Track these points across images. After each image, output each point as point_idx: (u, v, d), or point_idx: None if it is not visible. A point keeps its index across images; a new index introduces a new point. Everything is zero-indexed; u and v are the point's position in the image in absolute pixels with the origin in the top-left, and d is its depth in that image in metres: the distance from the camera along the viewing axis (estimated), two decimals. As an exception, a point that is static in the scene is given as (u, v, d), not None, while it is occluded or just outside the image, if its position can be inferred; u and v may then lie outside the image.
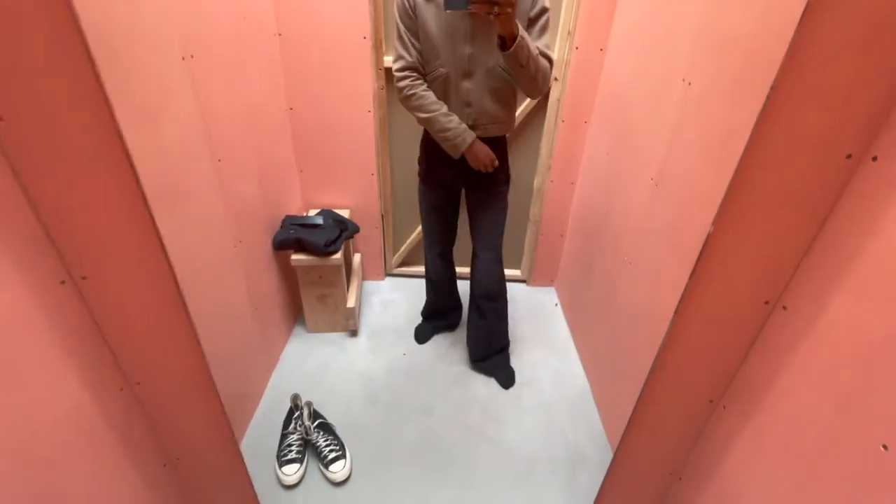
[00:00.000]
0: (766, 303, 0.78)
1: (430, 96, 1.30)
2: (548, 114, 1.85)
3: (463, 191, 1.57)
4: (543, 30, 1.24)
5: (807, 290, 0.72)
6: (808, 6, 0.53)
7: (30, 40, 0.55)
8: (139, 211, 0.67)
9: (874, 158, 0.62)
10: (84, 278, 0.75)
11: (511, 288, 2.23)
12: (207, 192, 1.19)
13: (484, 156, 1.34)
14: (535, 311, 2.10)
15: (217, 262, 1.26)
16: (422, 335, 1.90)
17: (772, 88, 0.58)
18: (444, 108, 1.30)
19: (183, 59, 1.06)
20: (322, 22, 1.61)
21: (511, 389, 1.68)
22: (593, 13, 1.59)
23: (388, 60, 1.71)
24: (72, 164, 0.63)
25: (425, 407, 1.60)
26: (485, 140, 1.35)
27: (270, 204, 1.65)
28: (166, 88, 0.99)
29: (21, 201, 0.66)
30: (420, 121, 1.34)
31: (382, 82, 1.80)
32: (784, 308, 0.77)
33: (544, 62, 1.22)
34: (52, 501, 0.74)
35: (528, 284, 2.28)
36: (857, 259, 0.64)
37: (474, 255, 1.61)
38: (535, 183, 2.01)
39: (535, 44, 1.19)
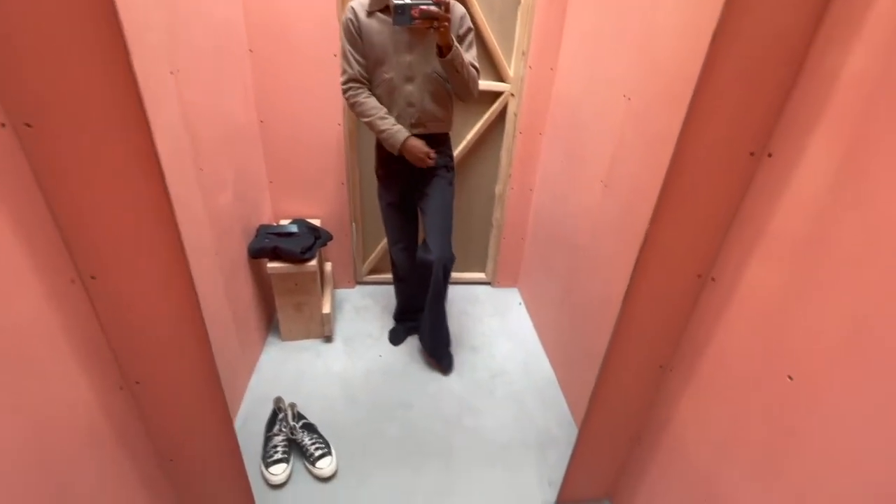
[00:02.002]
0: (699, 276, 0.95)
1: (371, 102, 1.48)
2: (506, 126, 2.01)
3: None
4: (470, 45, 1.47)
5: (729, 263, 0.89)
6: (714, 37, 0.69)
7: (71, 56, 0.61)
8: (161, 213, 0.73)
9: (769, 155, 0.80)
10: (93, 278, 0.79)
11: (477, 290, 2.38)
12: (193, 199, 1.23)
13: (418, 150, 1.49)
14: (500, 311, 2.23)
15: (200, 269, 1.29)
16: (396, 337, 1.98)
17: (690, 102, 0.74)
18: (382, 112, 1.47)
19: (171, 73, 1.11)
20: (292, 39, 1.69)
21: (484, 381, 1.79)
22: (544, 36, 1.78)
23: (357, 76, 1.82)
24: (97, 171, 0.69)
25: (404, 403, 1.67)
26: (428, 136, 1.53)
27: (245, 213, 1.68)
28: (158, 99, 1.04)
29: (40, 202, 0.70)
30: (365, 125, 1.51)
31: (351, 97, 1.89)
32: (713, 279, 0.93)
33: (473, 71, 1.44)
34: (56, 497, 0.76)
35: (493, 286, 2.41)
36: (763, 234, 0.81)
37: (425, 240, 1.64)
38: (497, 190, 2.16)
39: (465, 55, 1.40)
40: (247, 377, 1.71)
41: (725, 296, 0.90)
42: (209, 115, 1.36)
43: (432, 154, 1.53)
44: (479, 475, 1.43)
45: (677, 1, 1.06)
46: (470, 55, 1.45)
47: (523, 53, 1.84)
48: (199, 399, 0.95)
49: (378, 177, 1.70)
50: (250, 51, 1.70)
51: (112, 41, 0.61)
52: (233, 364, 1.56)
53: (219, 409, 0.96)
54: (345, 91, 1.50)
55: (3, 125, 0.64)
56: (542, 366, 1.90)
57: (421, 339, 1.91)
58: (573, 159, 1.68)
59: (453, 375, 1.81)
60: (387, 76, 1.44)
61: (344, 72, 1.48)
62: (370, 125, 1.49)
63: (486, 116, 1.98)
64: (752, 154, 0.81)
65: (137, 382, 0.92)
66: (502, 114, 2.00)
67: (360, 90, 1.48)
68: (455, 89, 1.48)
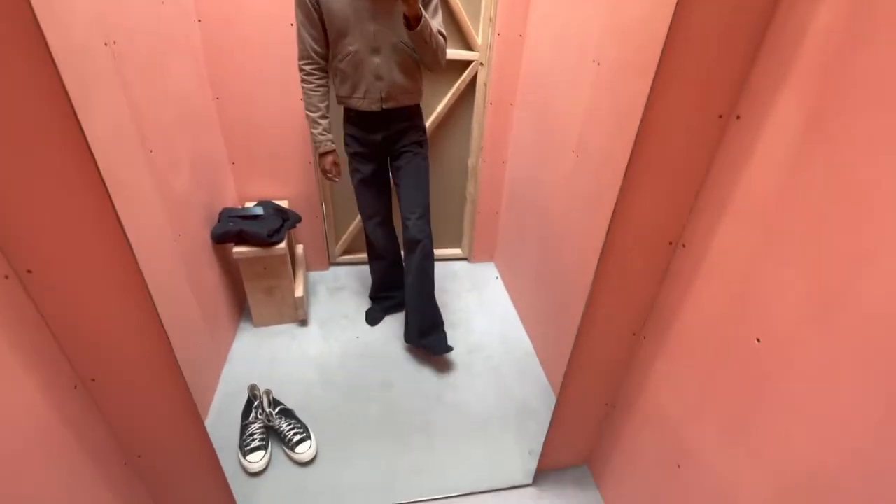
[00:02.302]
0: (670, 243, 0.94)
1: (315, 96, 1.48)
2: (476, 97, 1.96)
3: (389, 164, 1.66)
4: (436, 10, 1.41)
5: (699, 229, 0.89)
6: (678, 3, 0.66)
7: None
8: (97, 202, 0.67)
9: (738, 117, 0.78)
10: (29, 272, 0.73)
11: (453, 266, 2.35)
12: (142, 183, 1.15)
13: (325, 166, 1.58)
14: (478, 286, 2.23)
15: (156, 256, 1.22)
16: (372, 318, 1.95)
17: (658, 66, 0.72)
18: (318, 115, 1.50)
19: (105, 44, 1.01)
20: (245, 7, 1.58)
21: (461, 357, 1.80)
22: (512, 1, 1.71)
23: (318, 47, 1.72)
24: (26, 160, 0.62)
25: (383, 383, 1.66)
26: (399, 109, 1.49)
27: (206, 197, 1.60)
28: (92, 74, 0.95)
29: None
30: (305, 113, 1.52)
31: (313, 70, 1.79)
32: (683, 246, 0.93)
33: (441, 39, 1.39)
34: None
35: (469, 261, 2.40)
36: (731, 198, 0.81)
37: (403, 219, 1.62)
38: (469, 163, 2.12)
39: (431, 22, 1.33)
40: (219, 366, 1.66)
41: (696, 261, 0.90)
42: (156, 92, 1.26)
43: (337, 176, 1.60)
44: (460, 449, 1.44)
45: (645, -42, 1.02)
46: (436, 22, 1.38)
47: (490, 20, 1.77)
48: (160, 392, 0.91)
49: (349, 154, 1.63)
50: (198, 20, 1.58)
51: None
52: (202, 353, 1.51)
53: (182, 399, 0.93)
54: (300, 70, 1.47)
55: None
56: (520, 338, 1.92)
57: (407, 330, 1.75)
58: (544, 129, 1.65)
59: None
60: (351, 48, 1.37)
61: (299, 49, 1.43)
62: (307, 118, 1.51)
63: (455, 87, 1.92)
64: (720, 117, 0.79)
65: (93, 380, 0.87)
66: (472, 84, 1.94)
67: (309, 76, 1.46)
68: (423, 60, 1.43)
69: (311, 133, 1.54)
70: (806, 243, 0.67)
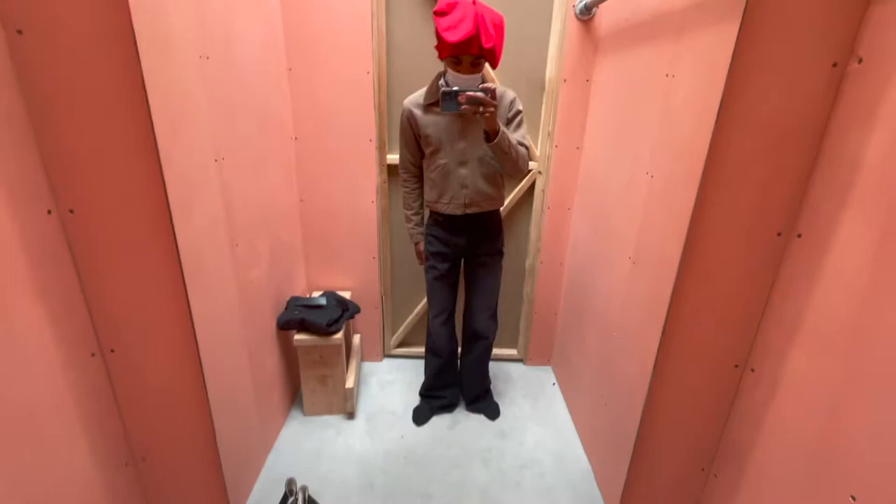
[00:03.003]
0: (736, 366, 0.85)
1: (410, 197, 1.72)
2: (534, 201, 2.03)
3: (462, 264, 1.79)
4: (519, 125, 1.54)
5: (770, 352, 0.80)
6: (717, 118, 0.68)
7: (102, 155, 0.69)
8: (176, 289, 0.77)
9: (799, 235, 0.74)
10: (112, 351, 0.82)
11: (508, 367, 2.27)
12: (224, 273, 1.30)
13: (419, 256, 1.78)
14: (533, 391, 2.10)
15: (226, 340, 1.33)
16: (420, 416, 1.89)
17: (701, 180, 0.72)
18: (411, 212, 1.74)
19: (216, 161, 1.23)
20: (333, 127, 1.85)
21: (511, 474, 1.65)
22: (569, 118, 1.84)
23: (391, 158, 1.94)
24: (124, 248, 0.74)
25: (423, 494, 1.55)
26: (480, 214, 1.61)
27: (277, 286, 1.75)
28: (200, 183, 1.15)
29: (74, 281, 0.76)
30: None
31: (385, 176, 2.00)
32: (752, 370, 0.84)
33: (523, 149, 1.49)
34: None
35: (525, 363, 2.30)
36: (802, 317, 0.73)
37: (473, 313, 1.80)
38: (527, 264, 2.14)
39: (514, 135, 1.47)
40: (264, 454, 1.66)
41: (768, 389, 0.80)
42: (249, 197, 1.47)
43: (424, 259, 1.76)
44: (501, 587, 1.26)
45: (690, 85, 1.08)
46: (519, 134, 1.51)
47: (549, 134, 1.90)
48: (199, 481, 0.92)
49: (430, 253, 1.74)
50: (295, 138, 1.87)
51: (144, 141, 0.68)
52: (251, 437, 1.54)
53: (218, 492, 0.93)
54: (400, 177, 1.72)
55: (50, 212, 0.71)
56: (578, 456, 1.73)
57: (462, 393, 1.97)
58: (601, 235, 1.65)
59: (478, 464, 1.68)
60: (442, 161, 1.55)
61: (399, 161, 1.69)
62: (404, 214, 1.77)
63: (514, 193, 2.02)
64: (779, 234, 0.75)
65: (143, 459, 0.91)
66: (530, 190, 2.03)
67: (406, 182, 1.70)
68: (505, 169, 1.54)
69: (407, 226, 1.77)
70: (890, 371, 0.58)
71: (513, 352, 2.32)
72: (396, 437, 1.80)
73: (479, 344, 1.83)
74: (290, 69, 1.77)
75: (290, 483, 1.44)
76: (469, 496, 1.55)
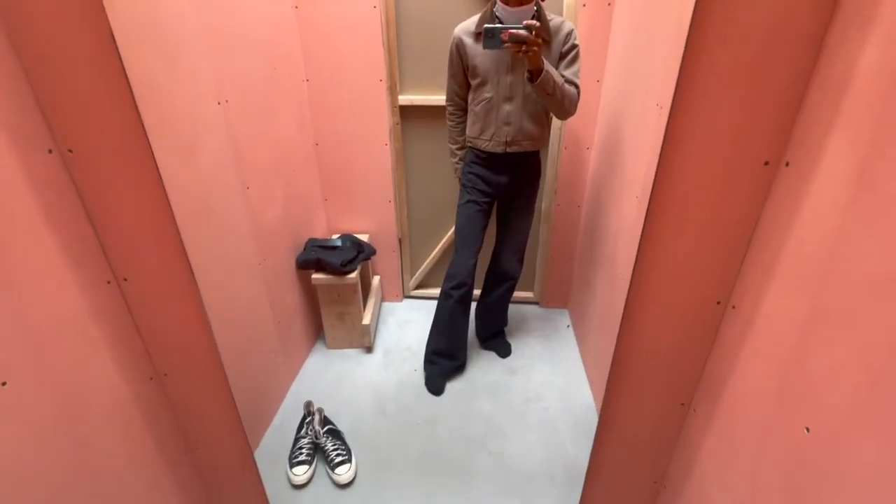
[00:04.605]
0: (718, 303, 0.83)
1: (455, 131, 1.69)
2: (551, 140, 1.96)
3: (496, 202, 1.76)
4: (573, 61, 1.43)
5: (749, 289, 0.77)
6: (689, 39, 0.63)
7: (92, 95, 0.74)
8: (170, 226, 0.84)
9: (787, 164, 0.68)
10: (125, 280, 0.92)
11: (524, 309, 2.30)
12: (235, 213, 1.38)
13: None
14: (546, 333, 2.14)
15: (240, 275, 1.43)
16: (435, 384, 1.80)
17: (673, 104, 0.67)
18: (455, 147, 1.71)
19: (218, 103, 1.27)
20: (344, 67, 1.83)
21: (516, 406, 1.72)
22: (588, 47, 1.71)
23: (403, 99, 1.91)
24: (120, 187, 0.81)
25: (430, 419, 1.66)
26: (522, 154, 1.57)
27: (294, 228, 1.83)
28: (202, 126, 1.20)
29: (82, 215, 0.84)
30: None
31: (398, 118, 1.98)
32: (733, 307, 0.81)
33: (571, 89, 1.40)
34: (86, 474, 0.88)
35: (540, 306, 2.32)
36: (780, 257, 0.70)
37: (501, 253, 1.81)
38: (543, 206, 2.10)
39: (565, 72, 1.40)
40: (289, 381, 1.83)
41: (744, 327, 0.78)
42: (259, 141, 1.51)
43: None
44: (496, 502, 1.37)
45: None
46: (570, 72, 1.42)
47: (567, 67, 1.79)
48: (212, 399, 1.04)
49: (466, 187, 1.68)
50: (307, 80, 1.87)
51: (139, 79, 0.72)
52: (275, 368, 1.69)
53: (229, 411, 1.05)
54: (446, 109, 1.68)
55: (51, 151, 0.78)
56: (583, 394, 1.78)
57: (478, 332, 2.03)
58: (614, 173, 1.58)
59: (484, 397, 1.77)
60: (487, 95, 1.49)
61: (446, 92, 1.64)
62: (449, 148, 1.74)
63: (529, 132, 1.94)
64: (766, 164, 0.70)
65: (165, 374, 1.04)
66: (547, 129, 1.95)
67: (452, 115, 1.66)
68: (550, 110, 1.49)
69: (451, 161, 1.76)
70: (858, 317, 0.55)
71: (529, 294, 2.34)
72: (409, 370, 1.91)
73: (504, 284, 1.87)
74: (297, 6, 1.73)
75: (308, 405, 1.59)
76: (474, 424, 1.65)
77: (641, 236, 0.78)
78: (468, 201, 1.68)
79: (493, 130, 1.53)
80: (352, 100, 1.88)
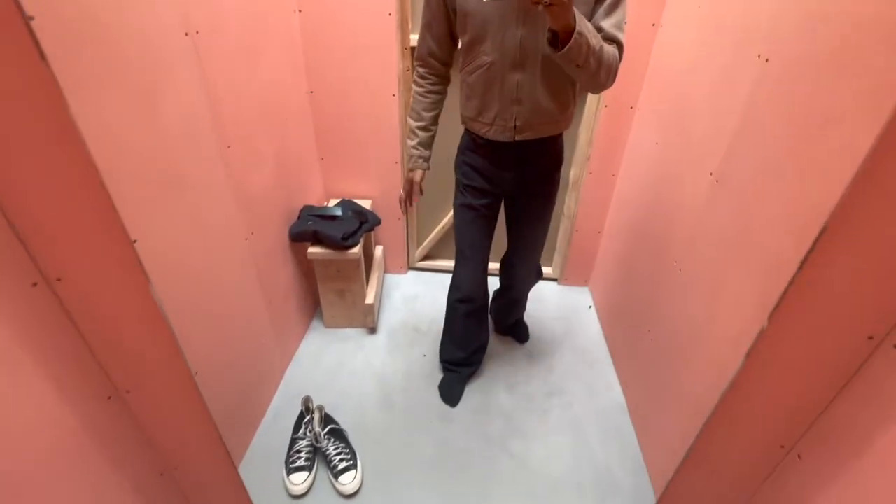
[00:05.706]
0: (870, 338, 0.62)
1: (422, 103, 1.21)
2: (588, 97, 1.67)
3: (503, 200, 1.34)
4: (612, 10, 0.97)
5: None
6: None
7: None
8: (107, 208, 0.58)
9: None
10: (59, 280, 0.67)
11: (541, 286, 2.09)
12: (213, 179, 1.11)
13: (406, 188, 1.28)
14: (566, 314, 1.95)
15: (224, 253, 1.18)
16: (451, 394, 1.52)
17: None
18: (417, 125, 1.23)
19: (186, 34, 0.96)
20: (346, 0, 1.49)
21: (538, 399, 1.56)
22: (647, -18, 1.40)
23: (416, 39, 1.58)
24: (37, 165, 0.54)
25: (443, 414, 1.49)
26: (536, 142, 1.15)
27: (288, 193, 1.56)
28: (165, 66, 0.90)
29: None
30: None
31: (409, 63, 1.67)
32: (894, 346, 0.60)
33: (610, 51, 0.95)
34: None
35: (559, 283, 2.12)
36: None
37: (512, 259, 1.46)
38: (572, 174, 1.84)
39: (602, 23, 0.97)
40: (283, 366, 1.63)
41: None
42: (243, 85, 1.21)
43: (412, 203, 1.30)
44: (520, 516, 1.22)
45: None
46: (609, 22, 0.97)
47: None
48: (184, 410, 0.83)
49: (462, 185, 1.29)
50: (299, 11, 1.52)
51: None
52: (266, 353, 1.48)
53: (204, 424, 0.84)
54: (413, 70, 1.23)
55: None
56: (612, 387, 1.61)
57: (494, 323, 1.78)
58: (673, 141, 1.32)
59: (502, 389, 1.59)
60: (486, 59, 1.04)
61: (417, 46, 1.18)
62: (409, 121, 1.25)
63: (564, 86, 1.65)
64: None
65: (128, 391, 0.82)
66: (585, 82, 1.65)
67: (421, 78, 1.19)
68: (579, 81, 1.05)
69: (407, 143, 1.26)
70: None
71: (547, 270, 2.13)
72: (418, 355, 1.72)
73: (514, 296, 1.63)
74: (286, -89, 1.37)
75: (307, 401, 1.40)
76: (492, 420, 1.48)
77: (802, 266, 0.55)
78: (463, 205, 1.29)
79: (495, 111, 1.09)
80: (354, 37, 1.55)
